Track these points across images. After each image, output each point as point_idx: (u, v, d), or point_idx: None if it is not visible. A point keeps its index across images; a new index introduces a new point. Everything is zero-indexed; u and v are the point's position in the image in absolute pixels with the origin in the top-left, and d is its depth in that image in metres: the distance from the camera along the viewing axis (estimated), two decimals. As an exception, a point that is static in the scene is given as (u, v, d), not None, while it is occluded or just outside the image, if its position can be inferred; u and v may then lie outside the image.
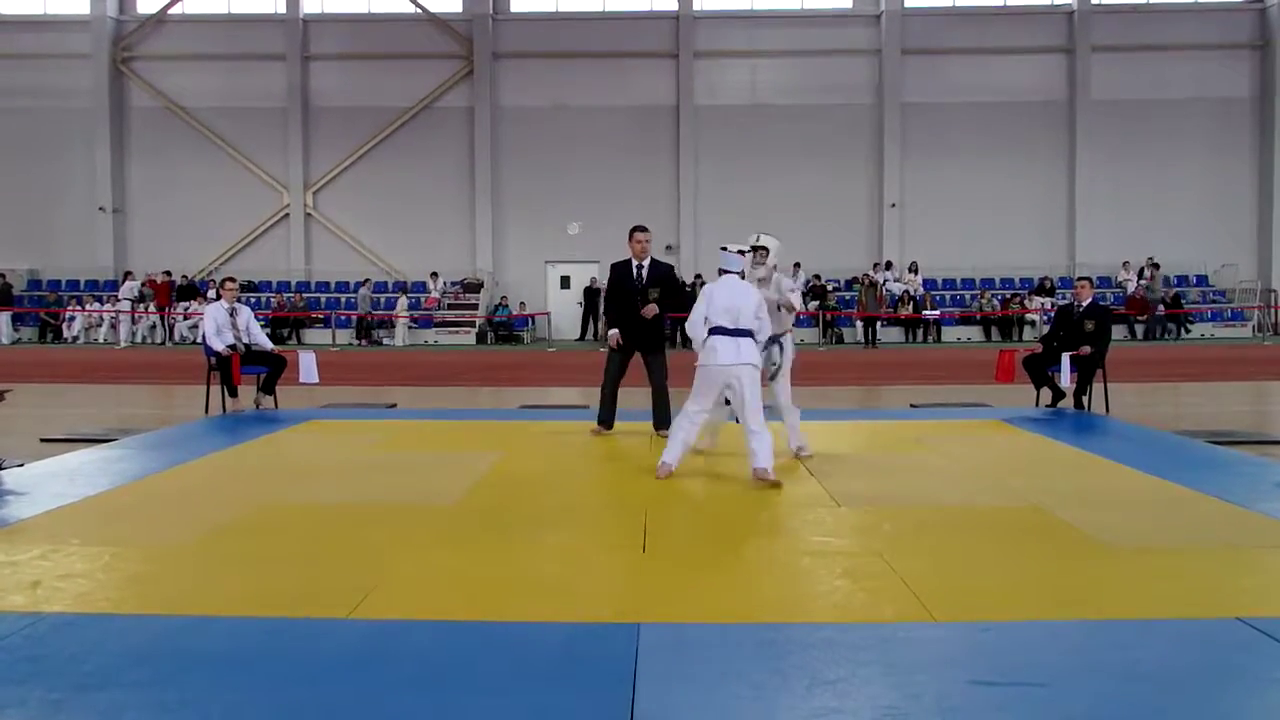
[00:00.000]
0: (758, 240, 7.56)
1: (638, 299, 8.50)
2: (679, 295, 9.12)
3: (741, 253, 7.12)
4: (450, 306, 28.50)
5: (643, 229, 8.72)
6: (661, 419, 8.47)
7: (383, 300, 29.09)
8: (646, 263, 8.60)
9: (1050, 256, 28.56)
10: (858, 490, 6.42)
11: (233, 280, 11.11)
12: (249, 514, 5.79)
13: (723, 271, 6.92)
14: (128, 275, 28.25)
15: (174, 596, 4.27)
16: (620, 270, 8.66)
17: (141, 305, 27.64)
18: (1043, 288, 27.79)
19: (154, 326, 27.83)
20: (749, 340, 6.75)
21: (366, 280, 28.58)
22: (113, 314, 27.59)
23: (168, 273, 27.88)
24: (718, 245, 7.18)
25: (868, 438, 8.97)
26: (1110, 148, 28.68)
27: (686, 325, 7.07)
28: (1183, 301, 27.94)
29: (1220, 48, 29.01)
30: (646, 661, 3.45)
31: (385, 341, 27.62)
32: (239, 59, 29.49)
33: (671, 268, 9.04)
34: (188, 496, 6.33)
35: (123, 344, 26.64)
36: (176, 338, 27.49)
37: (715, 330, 6.72)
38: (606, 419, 8.80)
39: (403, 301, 27.95)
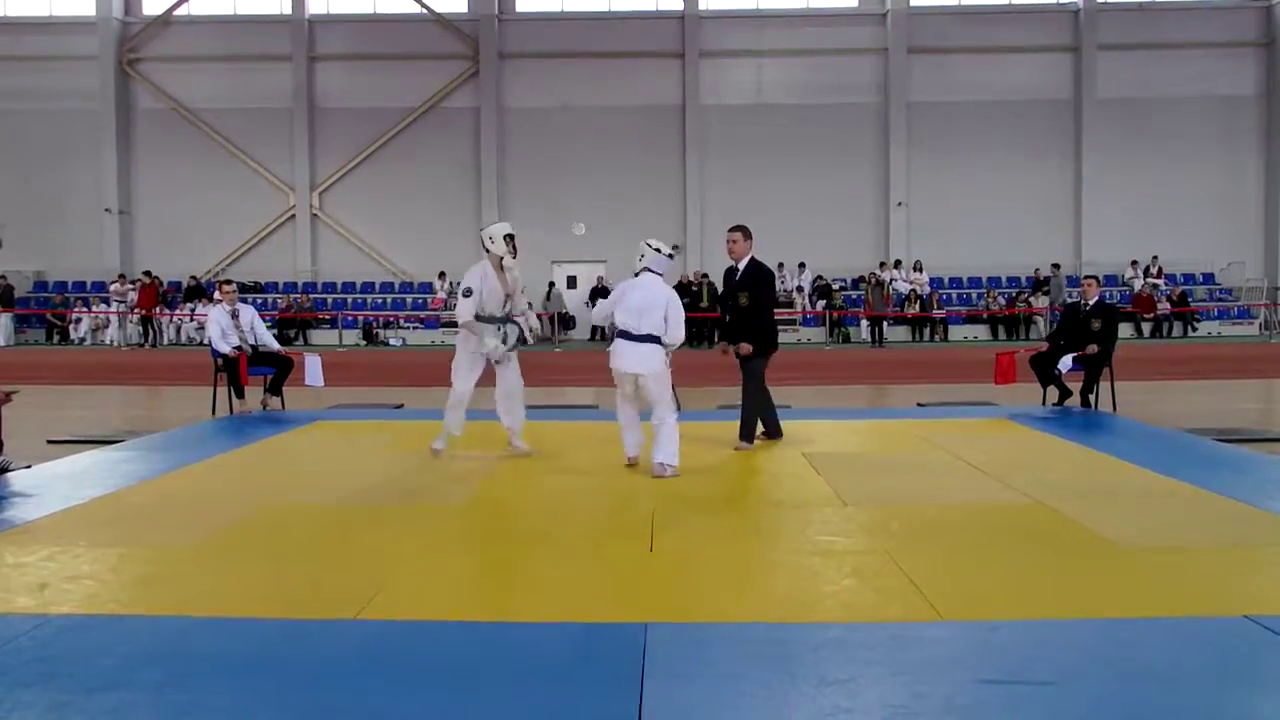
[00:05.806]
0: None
1: (729, 300, 8.22)
2: (769, 295, 8.58)
3: (671, 256, 7.08)
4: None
5: (730, 228, 8.20)
6: (745, 431, 8.06)
7: (389, 301, 29.11)
8: (743, 264, 8.10)
9: (1056, 255, 28.44)
10: (865, 489, 6.41)
11: (229, 283, 11.16)
12: (256, 515, 5.80)
13: (645, 271, 6.96)
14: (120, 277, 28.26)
15: (181, 598, 4.28)
16: (727, 273, 8.34)
17: (122, 306, 27.53)
18: (1045, 281, 27.55)
19: (158, 326, 27.77)
20: (650, 345, 6.82)
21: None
22: (116, 315, 27.61)
23: (148, 273, 27.82)
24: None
25: (875, 437, 8.96)
26: (1116, 146, 28.58)
27: (592, 314, 7.21)
28: (1189, 300, 27.85)
29: (1226, 46, 28.90)
30: (654, 661, 3.44)
31: (391, 343, 27.63)
32: (244, 60, 29.53)
33: (768, 270, 8.37)
34: (195, 498, 6.33)
35: (108, 344, 26.88)
36: (184, 339, 27.50)
37: (621, 334, 6.87)
38: (748, 434, 8.15)
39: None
